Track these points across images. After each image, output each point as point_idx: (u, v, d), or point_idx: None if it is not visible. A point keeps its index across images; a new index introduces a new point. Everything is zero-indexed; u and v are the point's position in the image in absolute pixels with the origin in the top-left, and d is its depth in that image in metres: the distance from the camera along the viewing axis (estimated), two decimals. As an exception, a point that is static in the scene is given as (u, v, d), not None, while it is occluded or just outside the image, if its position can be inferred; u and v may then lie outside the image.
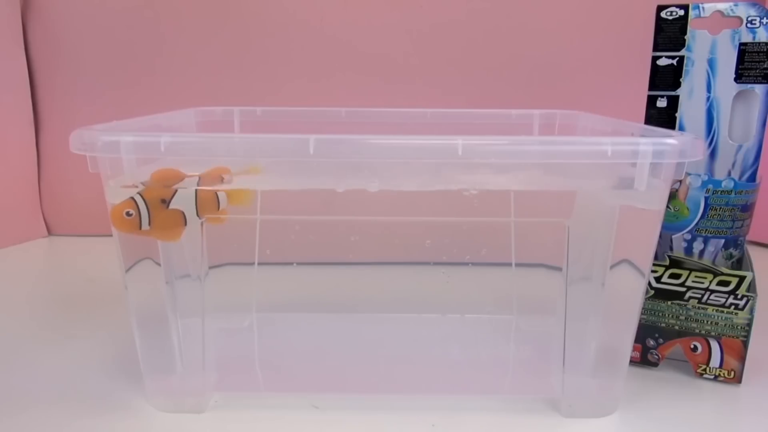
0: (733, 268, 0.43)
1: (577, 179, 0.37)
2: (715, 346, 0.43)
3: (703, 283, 0.42)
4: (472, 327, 0.52)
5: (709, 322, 0.43)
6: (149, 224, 0.35)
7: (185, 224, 0.36)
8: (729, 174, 0.43)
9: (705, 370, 0.44)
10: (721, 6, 0.42)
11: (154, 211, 0.35)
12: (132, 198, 0.34)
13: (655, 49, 0.44)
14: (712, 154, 0.43)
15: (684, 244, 0.44)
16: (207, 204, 0.36)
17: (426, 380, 0.44)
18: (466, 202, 0.38)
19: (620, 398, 0.40)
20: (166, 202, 0.35)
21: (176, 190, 0.35)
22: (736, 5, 0.42)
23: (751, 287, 0.41)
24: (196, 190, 0.35)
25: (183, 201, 0.35)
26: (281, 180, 0.37)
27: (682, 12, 0.43)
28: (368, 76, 0.76)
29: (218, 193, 0.36)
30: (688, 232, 0.44)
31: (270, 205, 0.38)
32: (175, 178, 0.35)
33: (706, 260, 0.44)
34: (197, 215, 0.36)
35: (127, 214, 0.34)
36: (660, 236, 0.38)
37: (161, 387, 0.40)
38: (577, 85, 0.76)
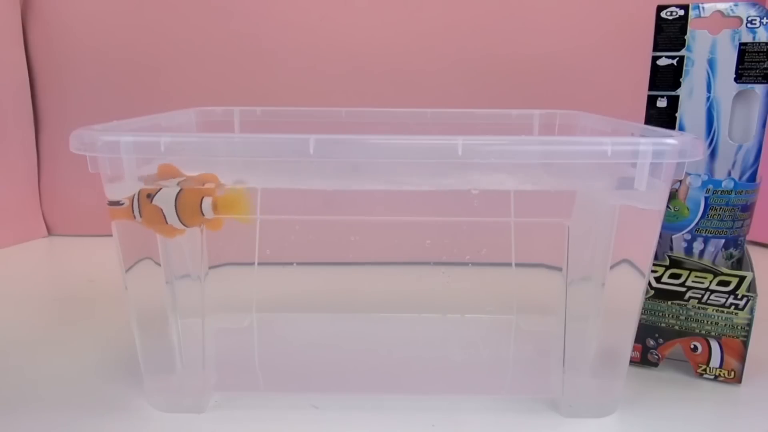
0: (733, 268, 0.43)
1: (577, 179, 0.37)
2: (715, 346, 0.43)
3: (703, 283, 0.42)
4: (472, 327, 0.52)
5: (709, 322, 0.43)
6: (140, 216, 0.35)
7: (166, 223, 0.36)
8: (729, 174, 0.43)
9: (705, 370, 0.44)
10: (721, 6, 0.42)
11: (142, 203, 0.35)
12: (135, 192, 0.35)
13: (655, 49, 0.44)
14: (712, 154, 0.43)
15: (684, 244, 0.44)
16: (187, 208, 0.36)
17: (426, 380, 0.44)
18: (466, 202, 0.38)
19: (620, 398, 0.40)
20: (150, 197, 0.35)
21: (161, 188, 0.35)
22: (736, 5, 0.42)
23: (751, 287, 0.41)
24: (178, 192, 0.35)
25: (164, 199, 0.35)
26: (281, 180, 0.37)
27: (682, 12, 0.43)
28: (368, 76, 0.76)
29: (204, 199, 0.36)
30: (688, 232, 0.44)
31: (270, 205, 0.38)
32: (169, 176, 0.35)
33: (706, 260, 0.44)
34: (178, 217, 0.36)
35: (120, 203, 0.35)
36: (660, 236, 0.38)
37: (161, 387, 0.40)
38: (577, 85, 0.76)
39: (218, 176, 0.36)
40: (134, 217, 0.35)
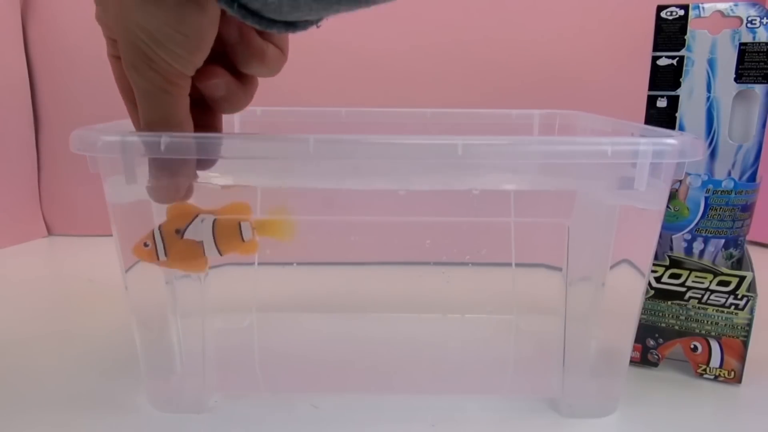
0: (733, 268, 0.43)
1: (577, 179, 0.37)
2: (715, 346, 0.43)
3: (703, 283, 0.42)
4: (472, 327, 0.52)
5: (709, 322, 0.43)
6: (165, 255, 0.35)
7: (204, 254, 0.35)
8: (729, 174, 0.43)
9: (705, 370, 0.44)
10: (721, 6, 0.42)
11: (169, 242, 0.35)
12: (153, 230, 0.35)
13: (655, 49, 0.44)
14: (712, 154, 0.43)
15: (684, 244, 0.44)
16: (226, 235, 0.35)
17: (426, 380, 0.44)
18: (466, 202, 0.38)
19: (620, 398, 0.40)
20: (180, 233, 0.35)
21: (191, 221, 0.35)
22: (736, 5, 0.42)
23: (751, 287, 0.41)
24: (213, 221, 0.35)
25: (199, 232, 0.35)
26: (281, 180, 0.37)
27: (682, 12, 0.43)
28: (368, 76, 0.76)
29: (241, 223, 0.35)
30: (688, 232, 0.44)
31: (270, 205, 0.38)
32: (189, 215, 0.35)
33: (706, 260, 0.44)
34: (216, 247, 0.35)
35: (145, 245, 0.35)
36: (660, 236, 0.38)
37: (161, 387, 0.40)
38: (577, 85, 0.76)
39: (249, 204, 0.36)
40: (156, 258, 0.35)
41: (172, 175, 0.32)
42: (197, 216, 0.35)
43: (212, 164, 0.33)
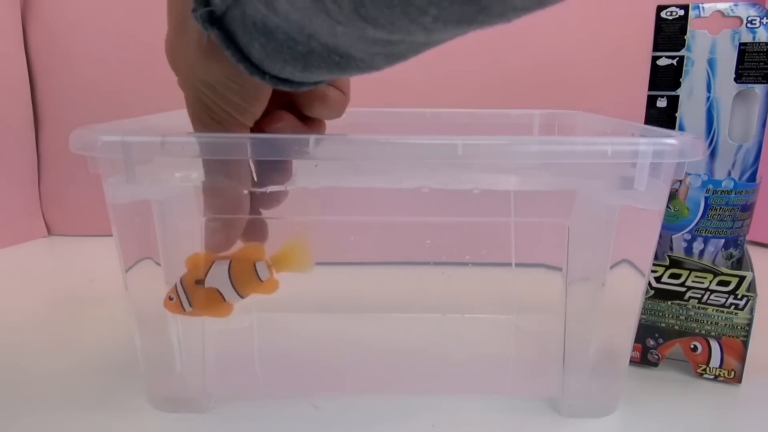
0: (733, 268, 0.43)
1: (577, 179, 0.37)
2: (715, 346, 0.43)
3: (703, 283, 0.42)
4: (472, 327, 0.52)
5: (709, 322, 0.43)
6: (190, 306, 0.35)
7: (224, 300, 0.36)
8: (729, 174, 0.43)
9: (705, 370, 0.44)
10: (721, 6, 0.42)
11: (191, 292, 0.35)
12: (176, 283, 0.36)
13: (655, 49, 0.44)
14: (712, 154, 0.43)
15: (684, 244, 0.44)
16: (243, 278, 0.36)
17: (426, 380, 0.44)
18: (466, 202, 0.38)
19: (620, 398, 0.40)
20: (201, 282, 0.35)
21: (208, 269, 0.35)
22: (736, 5, 0.42)
23: (751, 287, 0.41)
24: (228, 268, 0.35)
25: (216, 279, 0.35)
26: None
27: (682, 12, 0.43)
28: (368, 76, 0.76)
29: (256, 264, 0.36)
30: (688, 232, 0.44)
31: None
32: (206, 264, 0.35)
33: (706, 260, 0.44)
34: (235, 291, 0.36)
35: (170, 298, 0.36)
36: (660, 236, 0.38)
37: (161, 387, 0.40)
38: (577, 85, 0.76)
39: (263, 245, 0.36)
40: (183, 310, 0.35)
41: (224, 229, 0.34)
42: (213, 263, 0.35)
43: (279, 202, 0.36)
